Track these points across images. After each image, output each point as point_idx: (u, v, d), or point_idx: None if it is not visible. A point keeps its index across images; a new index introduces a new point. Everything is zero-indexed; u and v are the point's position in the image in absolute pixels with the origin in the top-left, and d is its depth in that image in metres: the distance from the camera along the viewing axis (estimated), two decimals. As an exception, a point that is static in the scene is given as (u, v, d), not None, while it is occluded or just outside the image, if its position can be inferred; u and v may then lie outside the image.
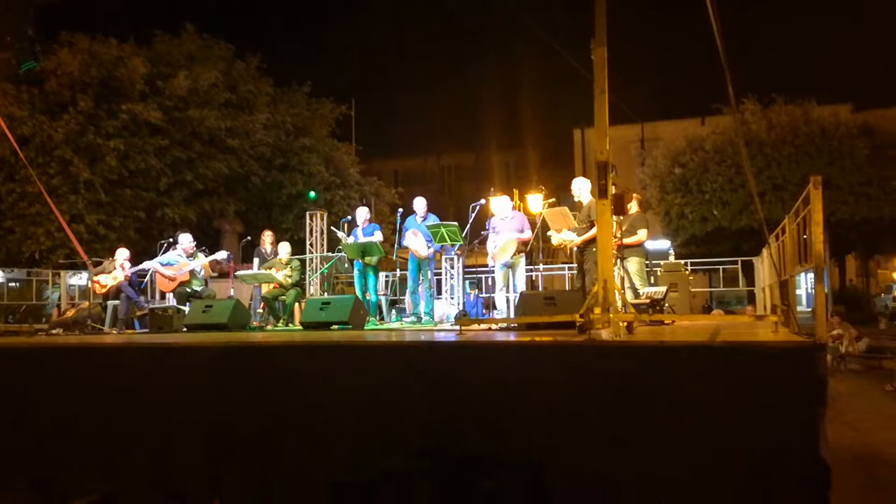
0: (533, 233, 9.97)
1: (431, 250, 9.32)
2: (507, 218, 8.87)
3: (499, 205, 9.01)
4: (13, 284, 18.67)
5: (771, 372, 3.70)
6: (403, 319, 10.24)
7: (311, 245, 14.12)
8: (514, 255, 8.73)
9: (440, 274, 10.91)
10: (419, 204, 9.60)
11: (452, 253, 9.97)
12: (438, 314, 10.11)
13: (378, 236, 9.83)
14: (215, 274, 11.16)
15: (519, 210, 10.37)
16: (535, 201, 14.36)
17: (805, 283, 19.19)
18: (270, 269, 9.93)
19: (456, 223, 9.01)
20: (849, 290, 26.02)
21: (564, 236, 8.37)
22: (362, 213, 10.11)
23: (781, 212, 12.58)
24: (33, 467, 5.26)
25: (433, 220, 9.44)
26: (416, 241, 9.25)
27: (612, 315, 4.65)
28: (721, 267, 16.01)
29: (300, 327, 8.34)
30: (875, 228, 19.61)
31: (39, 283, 16.36)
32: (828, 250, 19.40)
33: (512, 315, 8.23)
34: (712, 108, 19.62)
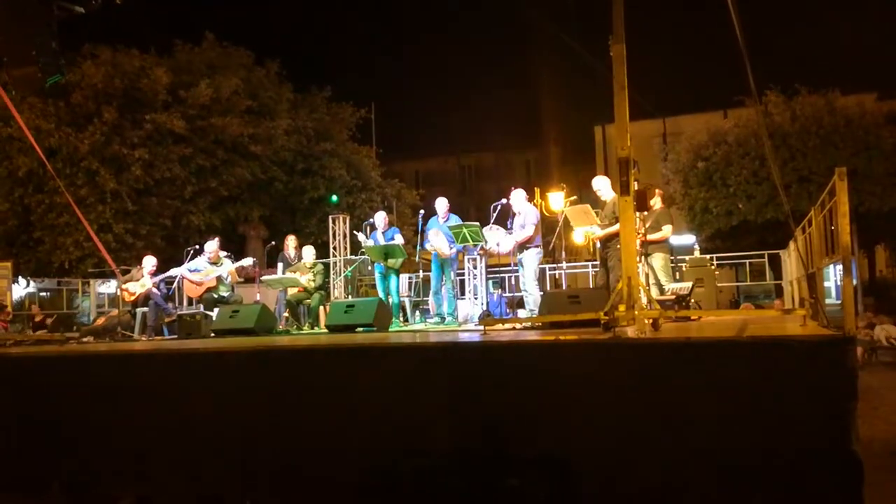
0: (555, 231, 9.95)
1: (454, 250, 9.33)
2: (519, 213, 8.85)
3: (513, 200, 8.98)
4: (44, 294, 19.00)
5: (800, 366, 3.66)
6: (427, 320, 10.26)
7: (334, 248, 14.20)
8: (517, 251, 8.72)
9: (463, 274, 10.91)
10: (441, 205, 9.62)
11: (475, 253, 9.97)
12: (462, 315, 10.12)
13: (399, 239, 9.87)
14: (241, 279, 11.27)
15: (539, 208, 10.33)
16: (557, 199, 14.33)
17: (833, 276, 18.91)
18: (295, 273, 10.01)
19: (478, 223, 9.02)
20: (879, 282, 25.58)
21: (587, 228, 8.34)
22: (381, 218, 10.17)
23: (808, 204, 12.42)
24: (66, 471, 5.36)
25: (455, 220, 9.44)
26: (438, 240, 9.27)
27: (637, 312, 4.63)
28: (747, 261, 15.80)
29: (325, 330, 8.40)
30: (904, 218, 19.23)
31: (70, 292, 16.62)
32: (856, 242, 19.09)
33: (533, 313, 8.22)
34: (734, 101, 19.39)
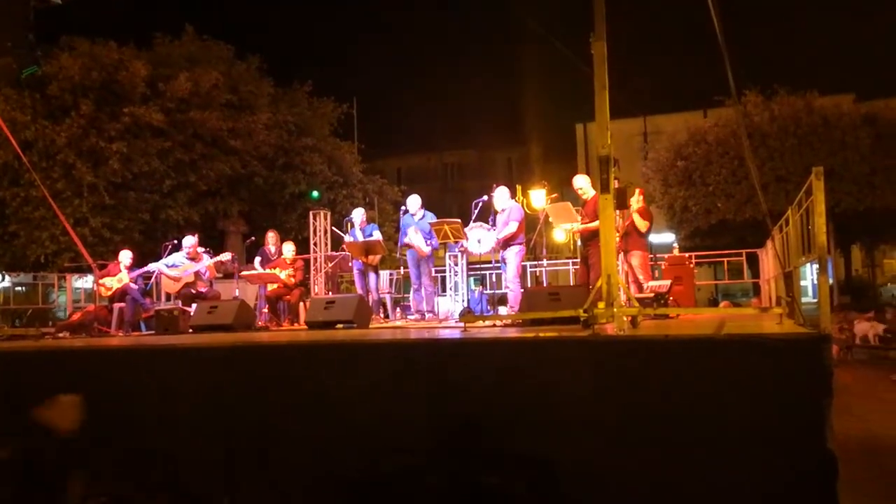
0: (536, 229, 9.97)
1: (431, 247, 9.33)
2: (502, 211, 8.86)
3: (496, 197, 8.99)
4: (19, 289, 18.75)
5: (776, 364, 3.69)
6: (408, 317, 10.24)
7: (314, 244, 14.14)
8: (499, 247, 8.75)
9: (444, 271, 10.91)
10: (413, 202, 9.60)
11: (456, 250, 9.98)
12: (443, 311, 10.12)
13: (377, 235, 9.84)
14: (220, 275, 11.18)
15: (521, 205, 10.35)
16: (539, 197, 14.35)
17: (810, 274, 19.12)
18: (275, 268, 9.95)
19: (459, 220, 9.01)
20: (855, 281, 25.95)
21: (568, 226, 8.41)
22: (358, 215, 10.13)
23: (785, 203, 12.54)
24: (43, 469, 5.27)
25: (431, 217, 9.44)
26: (417, 238, 9.26)
27: (616, 309, 4.65)
28: (726, 259, 15.95)
29: (305, 327, 8.36)
30: (880, 218, 19.53)
31: (45, 286, 16.41)
32: (832, 241, 19.37)
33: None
34: (714, 101, 19.62)
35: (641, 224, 8.56)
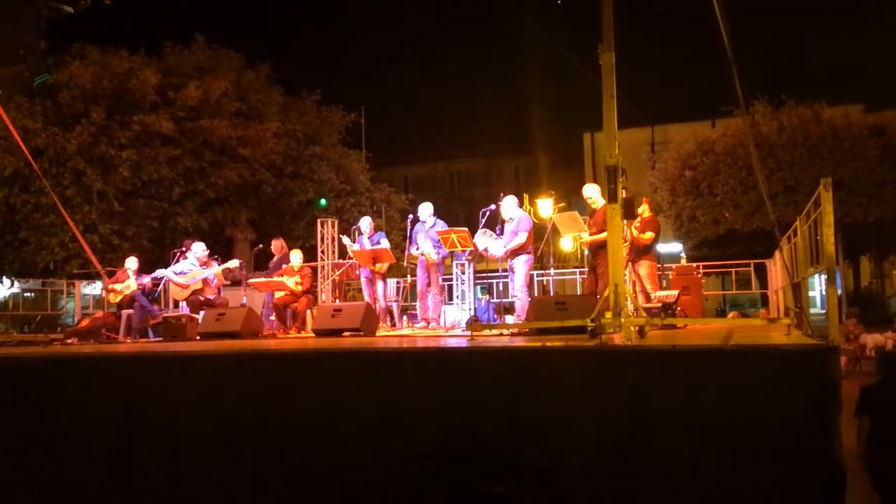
0: (543, 238, 9.98)
1: (440, 256, 9.33)
2: (510, 220, 8.85)
3: (504, 206, 8.99)
4: (28, 295, 18.83)
5: (784, 375, 3.69)
6: (415, 325, 10.24)
7: (322, 252, 14.17)
8: (507, 257, 8.74)
9: (451, 279, 10.91)
10: (424, 210, 9.61)
11: (463, 259, 9.97)
12: (450, 320, 10.11)
13: (385, 243, 9.84)
14: (228, 282, 11.21)
15: (529, 213, 10.35)
16: (546, 206, 14.36)
17: (819, 285, 19.06)
18: (282, 276, 9.97)
19: (466, 229, 9.01)
20: (864, 292, 25.79)
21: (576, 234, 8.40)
22: (366, 223, 10.15)
23: (794, 214, 12.51)
24: (48, 477, 5.29)
25: (442, 225, 9.45)
26: (427, 245, 9.28)
27: (623, 319, 4.65)
28: (734, 270, 15.90)
29: (312, 334, 8.37)
30: (889, 229, 19.43)
31: (54, 293, 16.49)
32: (841, 252, 19.26)
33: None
34: (722, 111, 19.52)
35: (643, 237, 8.54)
